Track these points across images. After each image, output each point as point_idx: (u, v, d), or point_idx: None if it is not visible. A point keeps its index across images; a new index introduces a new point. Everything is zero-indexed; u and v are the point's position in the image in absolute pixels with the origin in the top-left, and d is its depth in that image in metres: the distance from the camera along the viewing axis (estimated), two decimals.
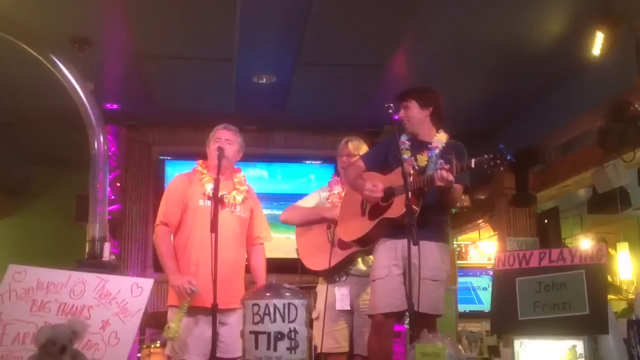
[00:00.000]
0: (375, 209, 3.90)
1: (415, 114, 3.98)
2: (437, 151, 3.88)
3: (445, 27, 5.80)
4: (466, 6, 5.45)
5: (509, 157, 3.43)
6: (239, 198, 4.07)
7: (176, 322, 3.71)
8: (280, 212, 4.73)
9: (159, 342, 6.14)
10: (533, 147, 7.70)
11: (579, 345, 3.08)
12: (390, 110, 3.78)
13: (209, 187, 3.94)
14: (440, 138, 3.95)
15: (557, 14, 5.63)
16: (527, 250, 3.60)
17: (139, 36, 5.83)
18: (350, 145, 4.62)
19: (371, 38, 5.87)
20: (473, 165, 3.51)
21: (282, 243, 4.56)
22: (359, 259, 4.35)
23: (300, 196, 4.95)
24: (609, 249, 8.71)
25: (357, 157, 4.31)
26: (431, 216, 3.79)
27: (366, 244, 4.07)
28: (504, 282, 3.47)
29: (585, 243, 9.17)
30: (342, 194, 4.47)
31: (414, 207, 3.58)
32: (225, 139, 4.08)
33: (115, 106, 7.56)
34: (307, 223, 4.53)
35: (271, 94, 7.24)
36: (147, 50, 6.09)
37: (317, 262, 4.42)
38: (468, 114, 7.69)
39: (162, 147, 8.53)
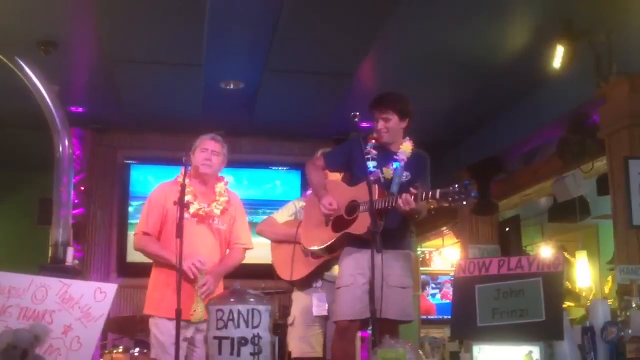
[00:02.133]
0: (339, 221, 3.92)
1: (395, 126, 3.95)
2: (402, 163, 3.91)
3: (413, 37, 5.88)
4: (433, 17, 5.54)
5: (473, 194, 3.52)
6: (217, 211, 4.10)
7: (199, 304, 3.78)
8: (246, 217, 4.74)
9: (121, 347, 6.09)
10: (496, 156, 7.84)
11: (535, 350, 3.15)
12: (356, 119, 3.83)
13: (189, 199, 3.98)
14: (405, 148, 3.97)
15: (520, 27, 5.76)
16: (487, 258, 3.69)
17: (106, 39, 5.80)
18: None
19: (339, 46, 5.94)
20: (438, 196, 3.56)
21: (255, 248, 4.54)
22: (334, 266, 4.36)
23: (266, 202, 4.99)
24: (568, 257, 8.90)
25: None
26: (395, 226, 3.85)
27: (328, 253, 4.12)
28: (464, 288, 3.54)
29: (545, 251, 9.34)
30: None
31: (378, 221, 3.63)
32: (212, 150, 4.14)
33: (80, 109, 7.48)
34: (282, 241, 4.55)
35: (239, 100, 7.25)
36: (114, 54, 6.07)
37: (291, 272, 4.42)
38: (433, 123, 7.79)
39: (128, 151, 8.45)
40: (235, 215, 4.22)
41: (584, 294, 8.91)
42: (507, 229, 8.78)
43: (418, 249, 10.60)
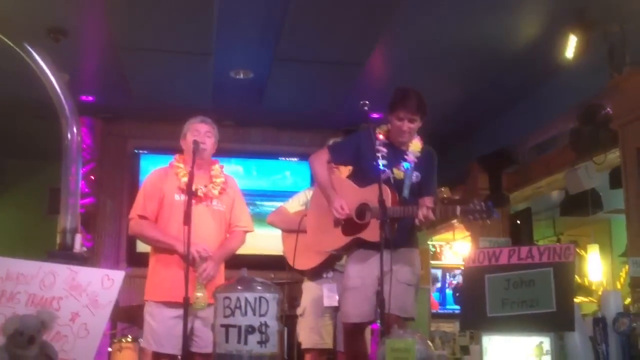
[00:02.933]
0: (349, 224, 3.84)
1: (417, 128, 3.90)
2: (412, 164, 3.84)
3: (423, 27, 5.84)
4: (444, 7, 5.49)
5: (495, 215, 3.55)
6: (215, 191, 4.03)
7: (201, 290, 3.72)
8: (254, 208, 4.73)
9: (130, 336, 6.11)
10: (507, 148, 7.79)
11: (546, 341, 3.12)
12: (366, 108, 3.80)
13: (184, 181, 3.91)
14: (415, 147, 3.90)
15: (532, 17, 5.70)
16: (497, 248, 3.63)
17: (116, 28, 5.80)
18: None
19: (349, 36, 5.91)
20: (458, 213, 3.56)
21: (264, 239, 4.52)
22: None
23: (275, 193, 4.97)
24: (580, 251, 8.84)
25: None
26: (405, 229, 3.83)
27: (337, 255, 4.13)
28: (474, 279, 3.50)
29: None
30: None
31: (392, 228, 3.62)
32: (205, 132, 4.04)
33: (90, 98, 7.49)
34: (291, 231, 4.51)
35: (248, 89, 7.23)
36: (124, 43, 6.07)
37: (303, 262, 4.43)
38: (444, 114, 7.73)
39: (138, 141, 8.47)
40: (234, 198, 4.14)
41: (595, 289, 8.86)
42: (518, 222, 8.73)
43: (428, 242, 10.54)
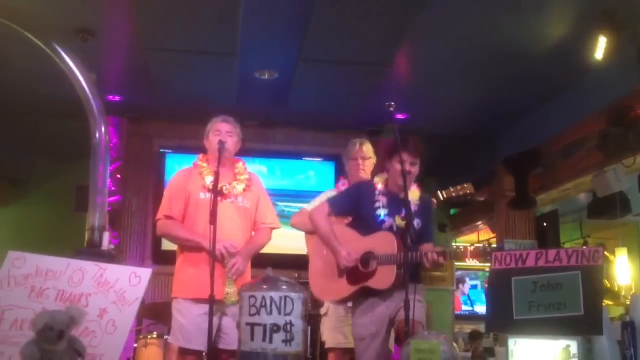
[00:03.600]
0: (354, 272, 3.90)
1: (416, 173, 3.98)
2: (412, 211, 3.87)
3: (450, 28, 5.82)
4: (470, 8, 5.46)
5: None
6: (239, 188, 4.05)
7: (231, 286, 3.76)
8: (277, 208, 4.72)
9: (155, 333, 6.17)
10: (534, 150, 7.72)
11: (573, 345, 3.08)
12: (392, 109, 3.81)
13: (209, 180, 3.96)
14: (414, 195, 3.96)
15: (560, 18, 5.65)
16: (524, 250, 3.61)
17: (143, 29, 5.85)
18: (365, 148, 4.62)
19: (374, 36, 5.91)
20: (469, 257, 3.79)
21: (288, 238, 4.53)
22: None
23: (299, 193, 4.98)
24: (607, 254, 8.75)
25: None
26: (412, 272, 3.85)
27: (342, 303, 4.16)
28: (500, 281, 3.47)
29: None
30: None
31: (395, 280, 3.74)
32: (226, 131, 4.08)
33: (117, 98, 7.56)
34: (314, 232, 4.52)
35: (273, 89, 7.25)
36: (150, 43, 6.12)
37: (325, 291, 4.27)
38: (470, 115, 7.73)
39: (163, 140, 8.53)
40: (258, 195, 4.16)
41: (623, 293, 8.77)
42: (544, 224, 8.66)
43: (453, 244, 10.51)
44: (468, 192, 4.09)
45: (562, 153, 7.70)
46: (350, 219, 4.17)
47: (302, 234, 4.66)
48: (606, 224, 8.82)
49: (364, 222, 3.98)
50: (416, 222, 3.90)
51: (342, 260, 3.90)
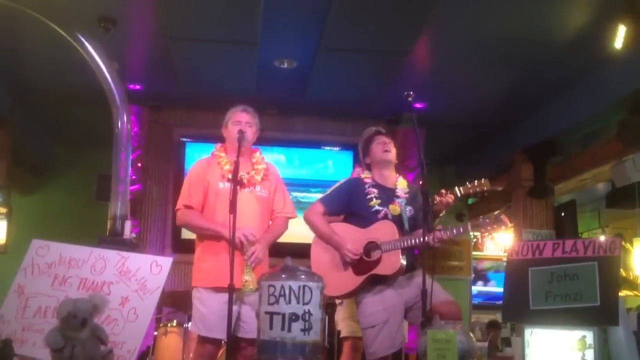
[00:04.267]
0: (360, 263, 3.98)
1: (394, 157, 4.16)
2: (404, 200, 4.07)
3: (468, 17, 5.80)
4: None
5: (504, 223, 3.91)
6: (258, 177, 4.09)
7: (249, 274, 3.80)
8: (296, 197, 4.73)
9: (175, 321, 6.24)
10: (552, 139, 7.70)
11: (589, 335, 3.11)
12: (410, 98, 3.87)
13: (227, 169, 4.00)
14: (402, 184, 4.15)
15: (580, 7, 5.61)
16: (541, 241, 3.63)
17: (164, 18, 5.88)
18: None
19: (393, 25, 5.88)
20: (470, 229, 3.96)
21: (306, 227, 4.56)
22: None
23: (317, 182, 5.01)
24: (625, 244, 8.69)
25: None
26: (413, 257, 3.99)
27: (351, 296, 4.19)
28: (517, 271, 3.50)
29: (602, 238, 9.12)
30: None
31: (402, 263, 3.86)
32: (246, 122, 4.11)
33: (138, 87, 7.61)
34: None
35: (292, 78, 7.27)
36: (171, 32, 6.16)
37: (334, 287, 4.25)
38: (488, 105, 7.71)
39: (183, 129, 8.57)
40: (276, 184, 4.20)
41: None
42: (562, 214, 8.63)
43: (470, 233, 10.49)
44: (485, 188, 4.13)
45: (581, 142, 7.68)
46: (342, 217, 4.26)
47: None
48: (624, 213, 8.77)
49: (359, 216, 4.07)
50: (409, 210, 4.04)
51: (347, 253, 3.98)
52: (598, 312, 3.16)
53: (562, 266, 3.36)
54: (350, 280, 4.01)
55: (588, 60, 6.32)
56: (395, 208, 4.01)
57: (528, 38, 6.06)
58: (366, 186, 4.09)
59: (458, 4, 5.56)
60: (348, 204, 4.14)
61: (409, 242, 3.84)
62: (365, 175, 4.17)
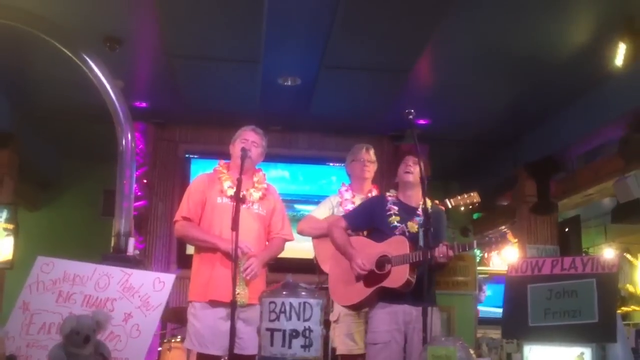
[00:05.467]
0: (371, 276, 4.04)
1: (417, 175, 4.13)
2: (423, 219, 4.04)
3: (470, 34, 5.85)
4: (491, 14, 5.49)
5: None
6: (256, 195, 4.16)
7: (242, 287, 3.85)
8: (299, 213, 4.80)
9: (179, 336, 6.26)
10: (555, 155, 7.71)
11: (587, 352, 3.14)
12: (411, 116, 3.92)
13: (227, 185, 4.08)
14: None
15: (581, 24, 5.66)
16: (540, 258, 3.67)
17: (168, 37, 5.96)
18: (371, 152, 4.83)
19: (395, 43, 5.94)
20: (475, 247, 3.77)
21: (298, 243, 4.63)
22: None
23: (321, 198, 5.06)
24: (632, 259, 8.69)
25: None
26: (430, 280, 3.93)
27: (361, 308, 4.24)
28: (516, 288, 3.54)
29: (608, 253, 9.13)
30: (354, 200, 4.63)
31: (409, 278, 3.85)
32: (252, 141, 4.19)
33: (144, 104, 7.70)
34: (322, 236, 4.60)
35: (296, 95, 7.33)
36: (176, 51, 6.23)
37: (344, 297, 4.36)
38: (491, 121, 7.75)
39: (189, 145, 8.63)
40: (274, 205, 4.27)
41: None
42: (567, 230, 8.62)
43: (475, 250, 10.49)
44: (475, 200, 4.22)
45: (584, 158, 7.70)
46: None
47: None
48: (631, 228, 8.75)
49: (379, 232, 4.14)
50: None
51: (355, 267, 4.06)
52: (596, 328, 3.19)
53: (560, 283, 3.40)
54: (360, 291, 4.08)
55: (589, 77, 6.35)
56: (413, 225, 4.06)
57: (530, 55, 6.11)
58: (388, 203, 4.17)
59: (460, 23, 5.61)
60: (370, 220, 4.22)
61: (417, 257, 3.86)
62: (390, 193, 4.24)
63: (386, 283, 3.96)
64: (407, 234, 4.05)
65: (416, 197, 4.16)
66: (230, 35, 5.86)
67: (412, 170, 4.16)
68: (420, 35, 5.80)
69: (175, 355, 6.08)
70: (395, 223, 4.07)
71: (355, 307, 4.26)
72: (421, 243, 3.96)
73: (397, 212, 4.11)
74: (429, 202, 4.11)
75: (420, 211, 4.07)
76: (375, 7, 5.36)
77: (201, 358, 3.97)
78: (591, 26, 5.65)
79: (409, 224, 4.08)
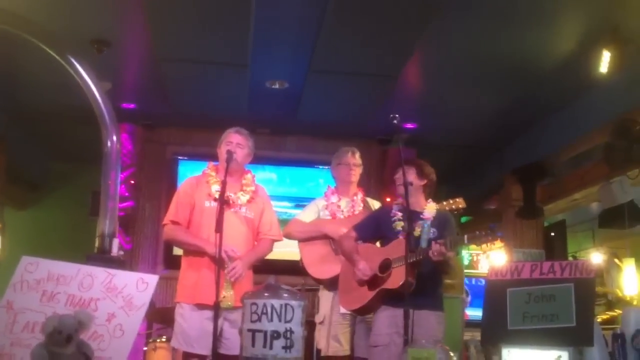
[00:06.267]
0: (374, 280, 4.11)
1: (412, 180, 4.18)
2: (429, 222, 4.13)
3: (458, 41, 5.90)
4: (478, 21, 5.54)
5: (499, 234, 3.75)
6: (244, 199, 4.19)
7: (228, 290, 3.88)
8: (287, 215, 4.84)
9: (164, 337, 6.28)
10: (541, 161, 7.78)
11: (564, 355, 3.18)
12: (395, 121, 3.97)
13: (215, 189, 4.10)
14: (430, 209, 4.21)
15: (566, 33, 5.72)
16: (520, 262, 3.71)
17: (157, 40, 5.96)
18: (357, 156, 4.88)
19: (383, 49, 5.97)
20: (466, 242, 3.83)
21: (285, 244, 4.67)
22: None
23: (309, 201, 5.09)
24: (618, 262, 8.74)
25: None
26: (429, 284, 4.01)
27: (366, 313, 4.30)
28: (496, 292, 3.58)
29: (596, 257, 9.20)
30: (339, 203, 4.66)
31: (410, 279, 3.82)
32: (237, 143, 4.21)
33: (131, 106, 7.69)
34: (309, 239, 4.68)
35: (283, 99, 7.35)
36: (164, 54, 6.24)
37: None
38: (478, 126, 7.80)
39: (176, 147, 8.63)
40: (263, 207, 4.30)
41: (635, 303, 8.73)
42: (552, 234, 8.69)
43: (464, 251, 10.54)
44: (460, 206, 4.27)
45: (570, 164, 7.76)
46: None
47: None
48: (618, 233, 8.79)
49: (387, 238, 4.24)
50: (432, 232, 4.09)
51: (358, 272, 4.14)
52: (574, 332, 3.23)
53: (539, 287, 3.45)
54: (364, 295, 4.14)
55: (576, 84, 6.41)
56: (416, 230, 4.09)
57: (517, 62, 6.16)
58: (393, 210, 4.25)
59: (447, 29, 5.66)
60: (377, 229, 4.31)
61: (414, 257, 3.88)
62: (397, 201, 4.30)
63: (386, 285, 4.01)
64: (410, 237, 4.02)
65: (419, 202, 4.22)
66: (218, 39, 5.88)
67: (402, 182, 4.19)
68: (407, 41, 5.83)
69: (160, 355, 6.10)
70: (399, 228, 4.13)
71: (360, 312, 4.32)
72: (422, 245, 4.01)
73: (400, 218, 4.17)
74: (434, 207, 4.21)
75: (424, 215, 4.15)
76: (363, 13, 5.39)
77: (187, 357, 4.00)
78: (577, 35, 5.71)
79: (415, 228, 4.09)
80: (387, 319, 4.03)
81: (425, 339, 3.74)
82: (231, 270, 3.94)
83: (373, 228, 4.33)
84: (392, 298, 3.99)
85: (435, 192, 4.38)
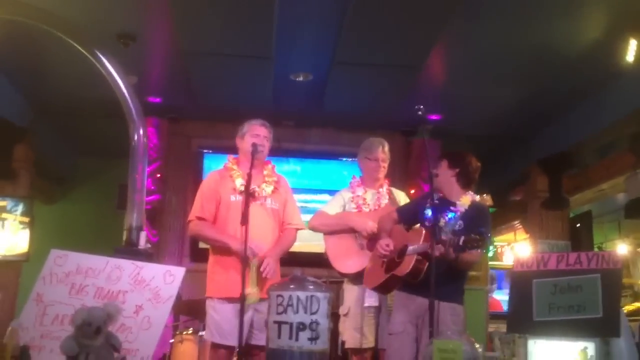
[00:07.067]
0: (390, 263, 4.08)
1: (442, 172, 4.14)
2: (458, 213, 4.04)
3: (483, 31, 5.85)
4: (503, 11, 5.49)
5: (487, 241, 3.73)
6: (268, 190, 4.21)
7: (252, 286, 3.90)
8: (312, 207, 4.83)
9: (191, 329, 6.35)
10: (568, 151, 7.70)
11: (590, 347, 3.16)
12: (420, 112, 3.94)
13: (239, 183, 4.12)
14: (464, 201, 4.11)
15: (592, 21, 5.64)
16: (546, 253, 3.69)
17: (182, 33, 6.02)
18: (387, 150, 4.81)
19: (407, 39, 5.95)
20: (461, 243, 3.70)
21: (310, 237, 4.69)
22: None
23: (333, 193, 5.09)
24: None
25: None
26: (443, 276, 3.88)
27: (383, 292, 4.30)
28: (521, 283, 3.57)
29: (621, 248, 9.11)
30: (365, 196, 4.64)
31: (414, 268, 3.81)
32: (264, 136, 4.23)
33: (157, 99, 7.76)
34: (335, 232, 4.65)
35: (308, 91, 7.37)
36: (189, 47, 6.29)
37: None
38: (503, 117, 7.75)
39: (201, 140, 8.68)
40: (286, 197, 4.32)
41: None
42: (578, 225, 8.61)
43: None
44: (487, 204, 4.21)
45: (596, 154, 7.68)
46: None
47: None
48: None
49: (422, 227, 4.12)
50: (459, 224, 4.01)
51: (379, 248, 4.10)
52: (600, 323, 3.21)
53: (565, 278, 3.43)
54: (380, 275, 4.12)
55: (601, 73, 6.34)
56: (441, 221, 4.02)
57: (542, 52, 6.10)
58: (434, 197, 4.12)
59: (472, 19, 5.62)
60: (415, 215, 4.20)
61: (418, 249, 3.85)
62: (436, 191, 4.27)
63: (396, 271, 3.98)
64: (436, 227, 3.97)
65: (455, 192, 4.14)
66: (242, 32, 5.90)
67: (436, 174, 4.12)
68: (431, 31, 5.81)
69: (187, 347, 6.17)
70: (429, 215, 4.01)
71: (377, 290, 4.28)
72: (442, 236, 3.90)
73: (429, 206, 4.07)
74: (468, 199, 4.11)
75: (457, 207, 4.07)
76: (386, 4, 5.38)
77: (217, 348, 4.05)
78: (602, 23, 5.63)
79: (441, 217, 4.04)
80: (403, 309, 4.03)
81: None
82: (265, 268, 3.97)
83: (413, 213, 4.25)
84: (409, 286, 3.96)
85: (476, 181, 4.28)
